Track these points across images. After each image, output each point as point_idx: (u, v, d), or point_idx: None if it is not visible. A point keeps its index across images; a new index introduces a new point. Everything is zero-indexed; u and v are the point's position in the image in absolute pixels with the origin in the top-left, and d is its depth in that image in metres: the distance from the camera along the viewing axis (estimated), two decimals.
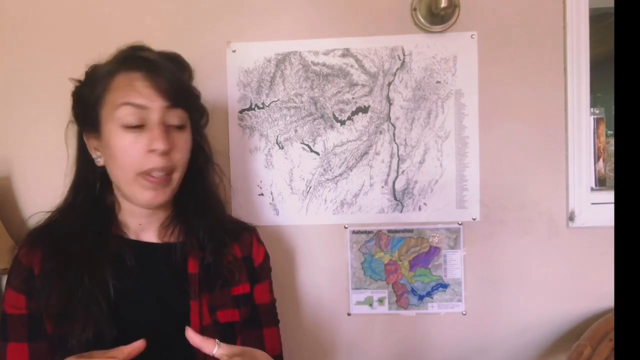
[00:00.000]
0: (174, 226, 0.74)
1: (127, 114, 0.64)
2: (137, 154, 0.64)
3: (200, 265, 0.72)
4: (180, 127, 0.68)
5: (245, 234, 0.81)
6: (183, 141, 0.69)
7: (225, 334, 0.70)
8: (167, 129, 0.66)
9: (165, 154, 0.65)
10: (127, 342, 0.61)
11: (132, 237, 0.72)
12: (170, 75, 0.66)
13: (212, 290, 0.71)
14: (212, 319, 0.70)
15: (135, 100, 0.64)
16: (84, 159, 0.72)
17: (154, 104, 0.64)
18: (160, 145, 0.63)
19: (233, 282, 0.74)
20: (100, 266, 0.66)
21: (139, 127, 0.64)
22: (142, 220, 0.72)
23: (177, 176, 0.69)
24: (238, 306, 0.74)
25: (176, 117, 0.67)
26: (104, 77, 0.67)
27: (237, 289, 0.74)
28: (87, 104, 0.68)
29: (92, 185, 0.71)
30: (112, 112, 0.64)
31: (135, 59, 0.66)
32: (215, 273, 0.72)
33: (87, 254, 0.66)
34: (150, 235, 0.73)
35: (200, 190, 0.77)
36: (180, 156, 0.68)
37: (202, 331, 0.66)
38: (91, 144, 0.70)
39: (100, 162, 0.69)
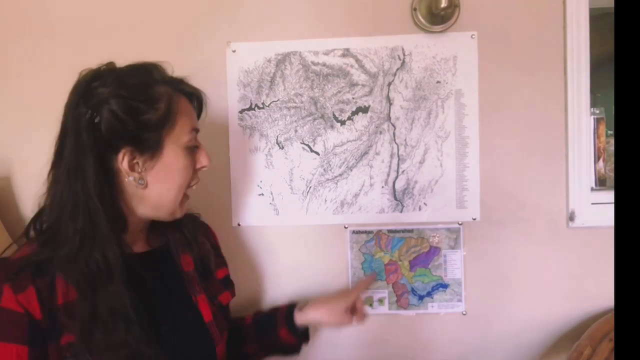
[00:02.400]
0: (153, 233, 0.76)
1: (192, 138, 0.70)
2: (191, 172, 0.71)
3: (194, 261, 0.77)
4: None
5: (202, 224, 0.87)
6: None
7: (228, 314, 0.81)
8: None
9: None
10: (149, 350, 0.62)
11: (127, 251, 0.69)
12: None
13: (205, 282, 0.77)
14: (216, 305, 0.77)
15: (196, 125, 0.72)
16: (103, 178, 0.63)
17: (198, 126, 0.73)
18: (209, 162, 0.73)
19: (215, 269, 0.82)
20: (117, 288, 0.62)
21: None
22: (135, 235, 0.72)
23: None
24: (227, 288, 0.83)
25: None
26: (162, 99, 0.65)
27: (219, 273, 0.83)
28: (147, 122, 0.64)
29: (99, 208, 0.63)
30: (181, 134, 0.68)
31: (184, 86, 0.72)
32: (204, 264, 0.78)
33: (98, 279, 0.61)
34: (139, 246, 0.74)
35: None
36: None
37: (214, 317, 0.74)
38: (132, 164, 0.64)
39: (143, 183, 0.65)
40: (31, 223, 0.66)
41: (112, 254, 0.62)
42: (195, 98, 0.75)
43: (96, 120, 0.61)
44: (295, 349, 0.89)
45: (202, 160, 0.72)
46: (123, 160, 0.63)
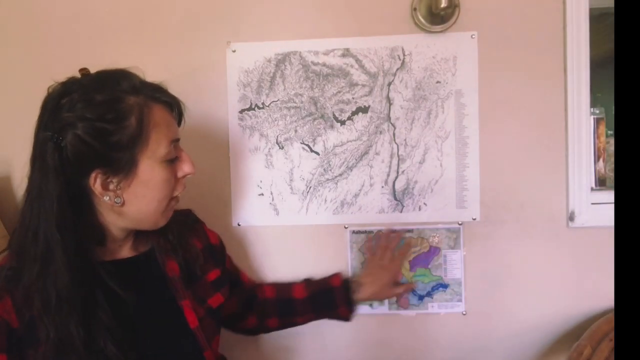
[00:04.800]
0: (141, 236, 0.74)
1: (171, 150, 0.66)
2: (173, 182, 0.67)
3: (179, 266, 0.74)
4: None
5: (195, 225, 0.85)
6: None
7: (219, 318, 0.79)
8: None
9: None
10: (130, 356, 0.63)
11: (109, 258, 0.69)
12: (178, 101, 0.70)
13: (193, 285, 0.75)
14: (205, 308, 0.75)
15: (175, 135, 0.67)
16: (70, 202, 0.61)
17: (179, 135, 0.69)
18: (193, 169, 0.69)
19: (205, 271, 0.79)
20: (92, 295, 0.62)
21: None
22: (120, 242, 0.71)
23: None
24: (219, 289, 0.80)
25: None
26: (133, 112, 0.61)
27: (210, 275, 0.80)
28: (117, 143, 0.60)
29: (72, 223, 0.62)
30: (156, 150, 0.63)
31: (158, 93, 0.66)
32: (190, 269, 0.76)
33: (73, 286, 0.60)
34: (125, 251, 0.72)
35: None
36: None
37: (200, 322, 0.72)
38: (106, 184, 0.62)
39: (119, 201, 0.63)
40: (12, 235, 0.66)
41: (63, 286, 0.59)
42: (175, 105, 0.69)
43: (62, 145, 0.59)
44: (349, 319, 0.95)
45: (185, 168, 0.68)
46: (95, 183, 0.61)
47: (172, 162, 0.66)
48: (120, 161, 0.61)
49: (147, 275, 0.72)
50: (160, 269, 0.73)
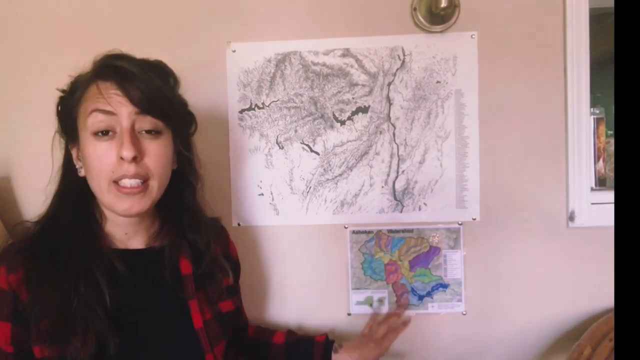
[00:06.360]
0: (161, 233, 0.74)
1: (96, 121, 0.63)
2: (110, 162, 0.63)
3: (194, 265, 0.73)
4: (154, 134, 0.65)
5: (220, 232, 0.86)
6: (158, 148, 0.66)
7: (226, 324, 0.76)
8: (138, 136, 0.64)
9: (135, 161, 0.63)
10: (129, 349, 0.63)
11: (120, 246, 0.70)
12: (142, 84, 0.64)
13: (206, 287, 0.74)
14: (214, 311, 0.74)
15: (103, 106, 0.62)
16: (69, 168, 0.71)
17: (122, 110, 0.62)
18: (126, 152, 0.61)
19: (223, 276, 0.78)
20: (93, 277, 0.63)
21: (109, 134, 0.63)
22: (128, 229, 0.71)
23: (154, 184, 0.66)
24: (231, 297, 0.79)
25: (148, 123, 0.64)
26: (79, 87, 0.66)
27: (225, 281, 0.79)
28: (67, 113, 0.68)
29: (75, 197, 0.69)
30: (85, 120, 0.64)
31: (109, 69, 0.65)
32: (209, 270, 0.75)
33: (77, 266, 0.63)
34: (137, 243, 0.72)
35: (186, 199, 0.77)
36: (155, 164, 0.65)
37: (205, 324, 0.70)
38: (74, 153, 0.69)
39: (82, 172, 0.68)
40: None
41: (77, 241, 0.65)
42: (119, 78, 0.63)
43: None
44: None
45: (120, 150, 0.62)
46: (71, 150, 0.69)
47: (111, 138, 0.63)
48: (68, 130, 0.69)
49: (158, 269, 0.71)
50: (172, 265, 0.72)
